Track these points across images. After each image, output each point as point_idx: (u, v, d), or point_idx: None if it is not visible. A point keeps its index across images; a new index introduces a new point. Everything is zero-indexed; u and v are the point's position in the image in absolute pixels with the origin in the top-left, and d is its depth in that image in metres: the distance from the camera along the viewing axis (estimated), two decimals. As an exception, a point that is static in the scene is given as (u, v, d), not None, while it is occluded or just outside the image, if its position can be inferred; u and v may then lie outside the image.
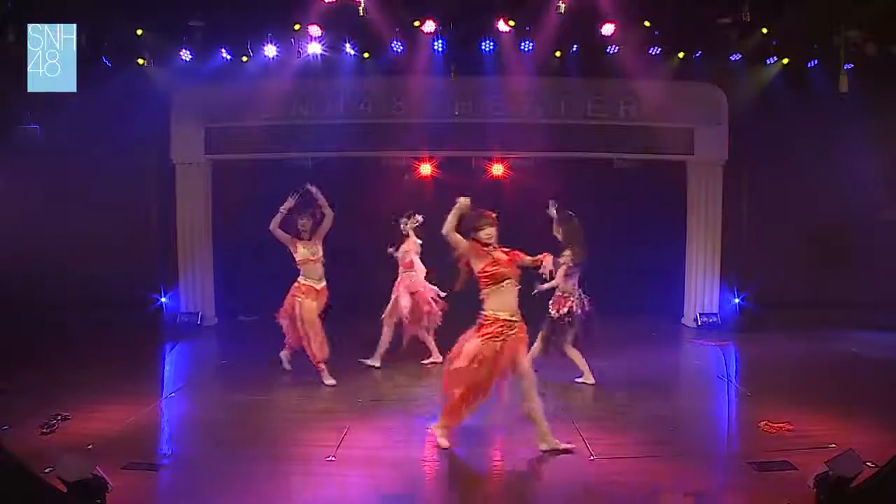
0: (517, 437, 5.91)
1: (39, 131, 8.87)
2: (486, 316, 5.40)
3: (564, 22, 8.71)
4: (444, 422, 5.65)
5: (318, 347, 7.37)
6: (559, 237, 7.27)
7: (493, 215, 5.49)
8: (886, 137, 9.40)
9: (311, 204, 7.44)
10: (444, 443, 5.61)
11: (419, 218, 8.07)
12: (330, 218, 7.45)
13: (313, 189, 7.39)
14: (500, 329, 5.35)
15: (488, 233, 5.43)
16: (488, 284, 5.40)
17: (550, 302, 7.31)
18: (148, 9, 8.85)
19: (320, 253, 7.52)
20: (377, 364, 8.00)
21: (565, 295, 7.27)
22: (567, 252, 7.17)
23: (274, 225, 7.34)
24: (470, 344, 5.37)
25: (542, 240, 10.03)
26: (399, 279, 8.08)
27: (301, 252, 7.42)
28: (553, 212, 7.37)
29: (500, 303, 5.39)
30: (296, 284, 7.49)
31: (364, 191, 10.27)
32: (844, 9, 8.70)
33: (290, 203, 7.34)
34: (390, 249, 8.18)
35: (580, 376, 7.41)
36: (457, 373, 5.41)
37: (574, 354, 7.38)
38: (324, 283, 7.54)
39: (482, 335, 5.36)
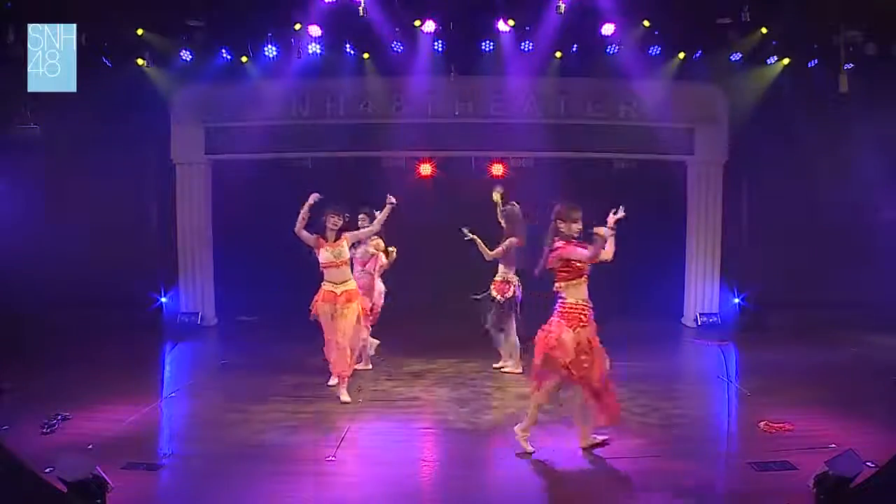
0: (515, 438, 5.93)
1: (39, 131, 8.87)
2: (571, 305, 5.36)
3: (564, 22, 8.72)
4: (530, 422, 5.53)
5: (339, 360, 6.89)
6: (503, 225, 7.70)
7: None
8: (887, 137, 9.40)
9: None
10: (528, 448, 5.49)
11: (378, 214, 7.60)
12: (372, 232, 7.16)
13: (389, 200, 6.98)
14: (585, 315, 5.37)
15: (580, 227, 5.40)
16: (569, 278, 5.37)
17: (492, 286, 7.72)
18: (148, 9, 8.86)
19: (346, 255, 6.97)
20: (368, 366, 7.96)
21: (508, 279, 7.65)
22: (514, 238, 7.59)
23: (299, 227, 6.80)
24: (566, 335, 5.29)
25: (540, 238, 10.14)
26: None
27: (324, 255, 6.87)
28: (497, 197, 7.79)
29: (579, 293, 5.39)
30: (319, 291, 7.00)
31: (364, 191, 10.26)
32: (844, 9, 8.70)
33: (311, 201, 6.75)
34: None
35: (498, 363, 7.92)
36: (566, 364, 5.27)
37: (511, 342, 7.78)
38: (348, 287, 6.97)
39: (573, 324, 5.32)
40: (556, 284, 5.42)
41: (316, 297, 6.99)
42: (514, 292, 7.69)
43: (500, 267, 7.75)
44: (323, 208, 6.87)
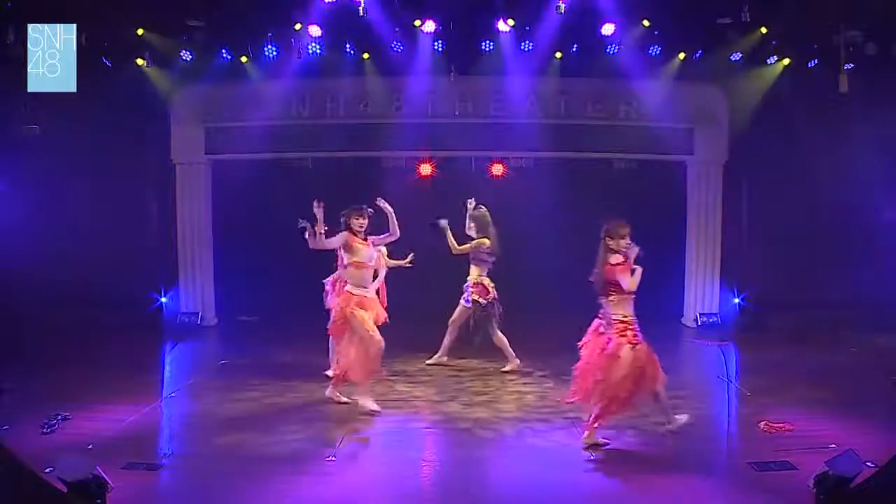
0: (516, 438, 5.93)
1: (39, 131, 8.87)
2: (627, 322, 5.57)
3: (564, 22, 8.73)
4: (592, 433, 5.62)
5: (361, 368, 6.42)
6: (473, 231, 7.87)
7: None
8: (887, 137, 9.39)
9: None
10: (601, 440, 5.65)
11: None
12: (392, 239, 6.80)
13: (383, 205, 6.69)
14: (637, 330, 5.60)
15: (627, 241, 5.60)
16: (621, 292, 5.55)
17: (470, 291, 7.86)
18: (148, 9, 8.86)
19: (374, 257, 6.69)
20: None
21: (483, 282, 7.84)
22: (486, 241, 7.76)
23: (321, 240, 6.42)
24: (624, 351, 5.48)
25: (541, 239, 10.14)
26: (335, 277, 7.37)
27: (358, 253, 6.47)
28: (470, 206, 7.95)
29: (626, 309, 5.61)
30: (345, 295, 6.52)
31: (364, 191, 10.25)
32: (844, 9, 8.70)
33: (319, 214, 6.38)
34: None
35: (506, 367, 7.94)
36: (622, 382, 5.48)
37: (501, 340, 7.89)
38: (372, 292, 6.75)
39: (630, 340, 5.52)
40: (609, 298, 5.60)
41: (347, 306, 6.43)
42: (493, 294, 7.86)
43: (473, 269, 7.91)
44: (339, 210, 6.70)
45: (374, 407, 6.42)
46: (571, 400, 5.82)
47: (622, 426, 6.06)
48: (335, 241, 6.49)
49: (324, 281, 7.50)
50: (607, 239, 5.61)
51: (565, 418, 6.25)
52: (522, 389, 7.30)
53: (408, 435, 6.08)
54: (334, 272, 7.36)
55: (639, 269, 5.57)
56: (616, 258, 5.56)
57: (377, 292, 7.21)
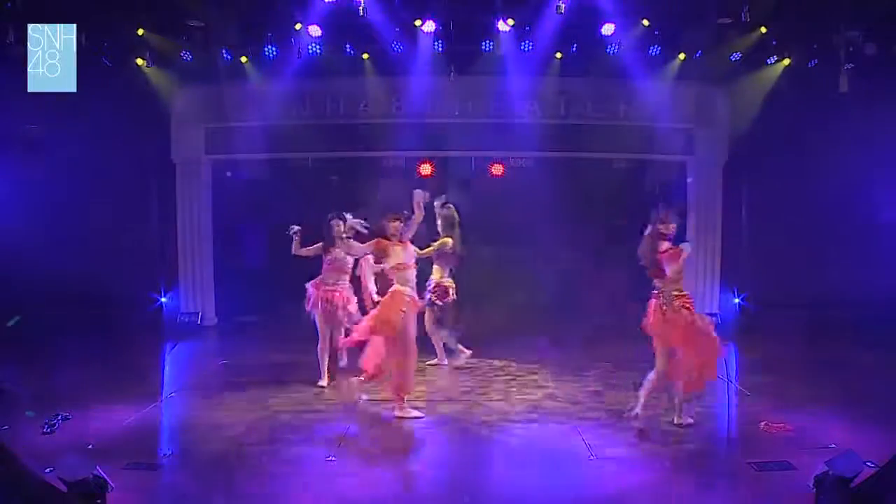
0: (516, 437, 5.93)
1: (39, 131, 8.87)
2: (685, 295, 6.04)
3: (564, 22, 8.74)
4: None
5: (410, 376, 6.40)
6: (440, 228, 7.81)
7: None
8: (887, 137, 9.39)
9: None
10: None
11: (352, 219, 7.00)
12: (420, 216, 6.42)
13: (420, 194, 6.38)
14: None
15: (674, 225, 5.96)
16: (678, 272, 5.94)
17: (430, 290, 7.81)
18: (148, 9, 8.87)
19: (414, 253, 6.54)
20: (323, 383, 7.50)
21: (444, 283, 7.84)
22: (449, 241, 7.72)
23: (359, 251, 6.49)
24: (700, 319, 5.99)
25: (540, 238, 10.13)
26: (321, 279, 7.40)
27: (396, 256, 6.33)
28: (438, 204, 7.84)
29: (680, 284, 6.03)
30: (395, 293, 6.31)
31: (364, 191, 10.28)
32: (844, 9, 8.70)
33: (356, 224, 6.42)
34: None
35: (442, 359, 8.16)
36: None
37: (445, 337, 8.04)
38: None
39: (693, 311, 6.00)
40: (669, 280, 5.91)
41: (397, 302, 6.28)
42: (451, 296, 7.87)
43: (436, 269, 7.90)
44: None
45: (418, 413, 6.43)
46: (678, 378, 6.03)
47: (619, 426, 6.08)
48: (365, 249, 6.53)
49: (306, 285, 7.46)
50: (659, 224, 5.90)
51: (566, 420, 6.26)
52: (523, 389, 7.30)
53: (408, 435, 6.08)
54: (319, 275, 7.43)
55: (686, 249, 5.90)
56: (665, 245, 5.86)
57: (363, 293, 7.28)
